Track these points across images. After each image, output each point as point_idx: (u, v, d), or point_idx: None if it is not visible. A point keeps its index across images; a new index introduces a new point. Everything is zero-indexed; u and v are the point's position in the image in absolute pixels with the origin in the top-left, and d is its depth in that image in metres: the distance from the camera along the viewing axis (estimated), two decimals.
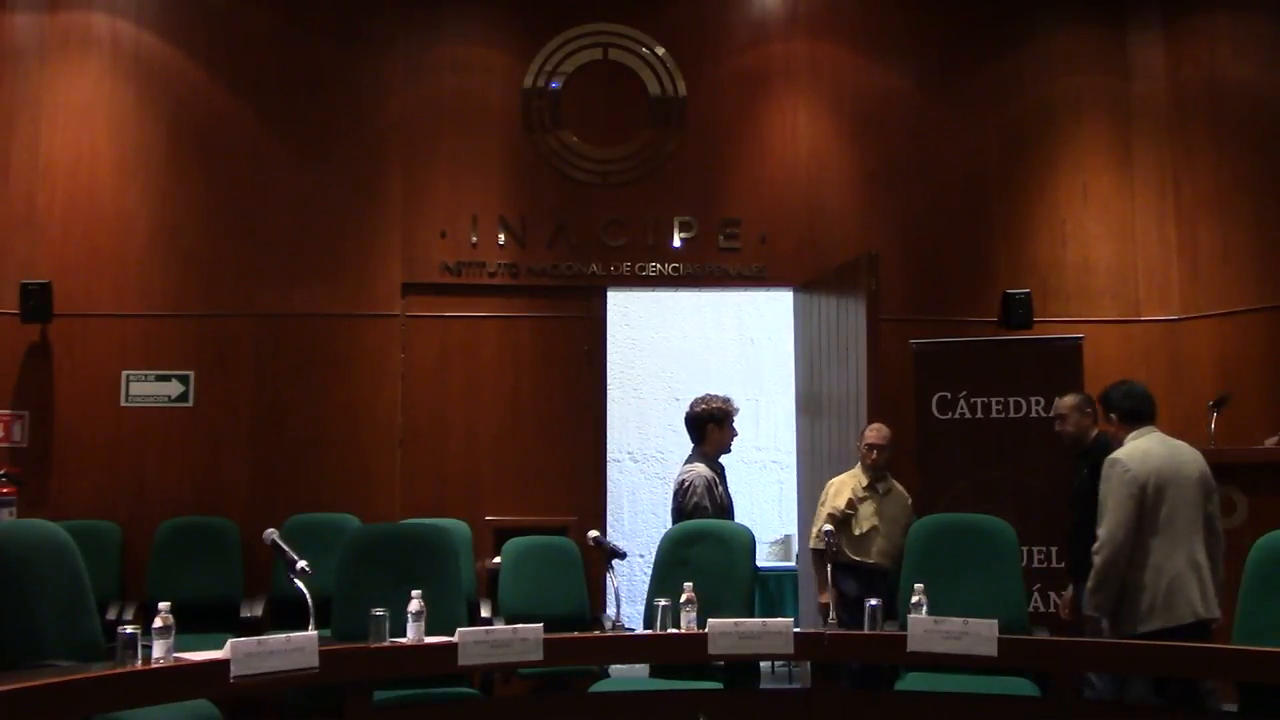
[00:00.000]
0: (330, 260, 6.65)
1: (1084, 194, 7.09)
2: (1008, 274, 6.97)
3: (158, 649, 3.24)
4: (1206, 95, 6.91)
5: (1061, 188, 7.10)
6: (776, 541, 7.92)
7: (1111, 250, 7.07)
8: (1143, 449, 4.29)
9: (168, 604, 3.34)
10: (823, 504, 5.62)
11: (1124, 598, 4.18)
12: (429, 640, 3.75)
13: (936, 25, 7.13)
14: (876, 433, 5.53)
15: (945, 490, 5.98)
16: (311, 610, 3.63)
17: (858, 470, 5.57)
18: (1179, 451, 4.31)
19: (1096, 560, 4.23)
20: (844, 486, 5.52)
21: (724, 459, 5.52)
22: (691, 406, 5.46)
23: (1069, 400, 5.25)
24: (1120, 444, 4.40)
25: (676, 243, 6.88)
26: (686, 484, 5.21)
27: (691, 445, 5.47)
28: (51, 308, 6.28)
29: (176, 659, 3.27)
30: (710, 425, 5.39)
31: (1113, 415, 4.50)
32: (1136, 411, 4.41)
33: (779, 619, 4.11)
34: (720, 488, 5.31)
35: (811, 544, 5.62)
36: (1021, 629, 4.32)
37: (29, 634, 3.36)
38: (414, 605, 3.76)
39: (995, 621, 3.77)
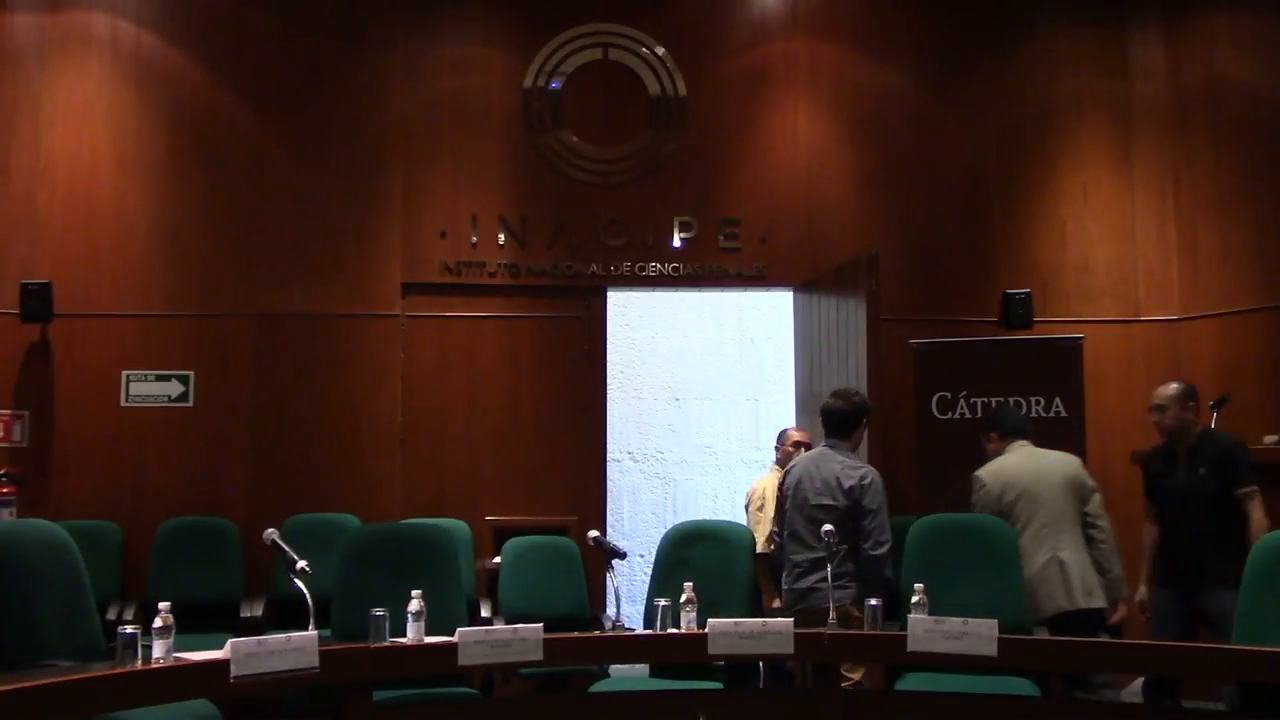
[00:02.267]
0: (330, 260, 6.64)
1: (1084, 194, 7.09)
2: (1008, 274, 6.97)
3: (158, 649, 3.24)
4: (1206, 95, 6.91)
5: (1061, 188, 7.10)
6: None
7: (1111, 250, 7.07)
8: (1001, 463, 4.83)
9: (168, 604, 3.34)
10: (760, 509, 5.60)
11: None
12: (429, 640, 3.76)
13: (936, 25, 7.13)
14: (803, 433, 5.56)
15: (945, 490, 5.96)
16: (311, 610, 3.63)
17: (776, 472, 5.58)
18: (1044, 459, 4.79)
19: None
20: (771, 492, 5.40)
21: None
22: (848, 399, 4.78)
23: (1170, 391, 4.83)
24: (1232, 440, 4.70)
25: (676, 243, 6.88)
26: (870, 482, 4.57)
27: (829, 440, 4.78)
28: (51, 308, 6.28)
29: (176, 659, 3.27)
30: (865, 419, 4.83)
31: (993, 433, 5.00)
32: (1017, 429, 4.94)
33: (779, 619, 4.12)
34: None
35: (760, 549, 5.19)
36: (1021, 629, 4.32)
37: (29, 634, 3.36)
38: (414, 605, 3.76)
39: (995, 621, 3.77)
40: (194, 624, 5.07)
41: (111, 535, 6.12)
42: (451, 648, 3.70)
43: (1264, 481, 5.08)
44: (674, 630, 4.00)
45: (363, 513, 6.25)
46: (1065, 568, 4.57)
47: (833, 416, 4.76)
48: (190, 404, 6.47)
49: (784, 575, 4.66)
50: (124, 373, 6.45)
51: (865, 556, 4.50)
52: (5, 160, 6.47)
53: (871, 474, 4.62)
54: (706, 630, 3.90)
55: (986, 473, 4.80)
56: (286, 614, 5.02)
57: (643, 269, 6.86)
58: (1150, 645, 3.96)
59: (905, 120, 7.04)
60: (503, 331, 6.76)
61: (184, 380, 6.49)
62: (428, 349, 6.69)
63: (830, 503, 4.54)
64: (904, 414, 6.38)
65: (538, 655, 3.79)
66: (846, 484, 4.54)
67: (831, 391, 4.97)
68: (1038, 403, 6.12)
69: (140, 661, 3.19)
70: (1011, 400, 6.15)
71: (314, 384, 6.55)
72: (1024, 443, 4.87)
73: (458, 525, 6.09)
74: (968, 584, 4.44)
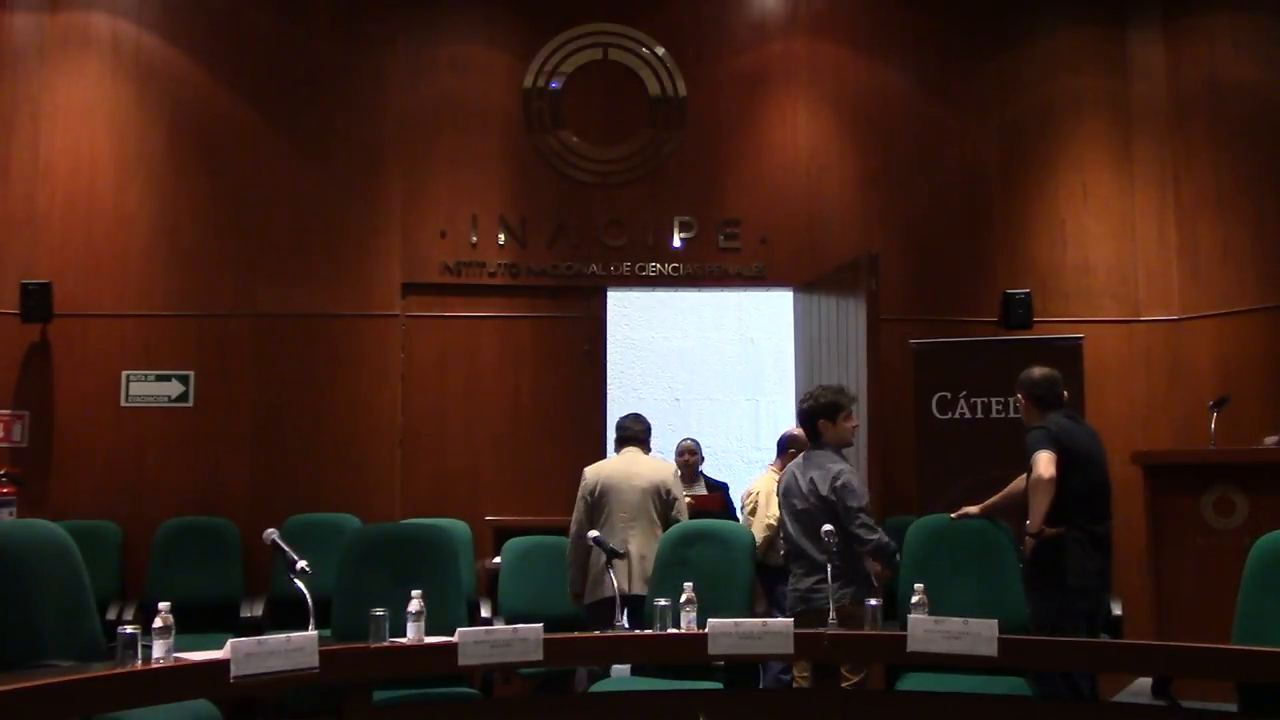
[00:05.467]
0: (330, 260, 6.65)
1: (1084, 194, 7.09)
2: (1008, 274, 6.97)
3: (158, 649, 3.23)
4: (1206, 95, 6.91)
5: (1061, 188, 7.10)
6: None
7: (1111, 250, 7.07)
8: (604, 462, 5.42)
9: (168, 604, 3.33)
10: (751, 512, 5.65)
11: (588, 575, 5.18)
12: (429, 640, 3.75)
13: (936, 25, 7.13)
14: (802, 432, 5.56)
15: (945, 490, 5.97)
16: (311, 610, 3.63)
17: (770, 474, 5.58)
18: (634, 464, 5.31)
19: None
20: (771, 494, 5.44)
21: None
22: (801, 401, 4.87)
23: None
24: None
25: (676, 243, 6.88)
26: (843, 484, 4.52)
27: (812, 445, 4.77)
28: (51, 308, 6.29)
29: (176, 659, 3.26)
30: (822, 421, 4.72)
31: (615, 436, 5.59)
32: (629, 438, 5.43)
33: (779, 619, 4.11)
34: None
35: (762, 558, 5.24)
36: (1020, 629, 4.32)
37: (29, 634, 3.35)
38: (414, 605, 3.76)
39: (995, 621, 3.77)
40: (194, 624, 5.08)
41: (111, 535, 6.13)
42: (451, 648, 3.70)
43: (1264, 482, 5.08)
44: (674, 630, 4.00)
45: (363, 513, 6.25)
46: (630, 557, 5.02)
47: (800, 421, 4.86)
48: (190, 404, 6.48)
49: (789, 577, 4.69)
50: (124, 373, 6.45)
51: (859, 554, 4.50)
52: (5, 160, 6.47)
53: (845, 474, 4.56)
54: (706, 630, 3.89)
55: (589, 469, 5.37)
56: (286, 614, 5.02)
57: (643, 269, 6.86)
58: (1150, 645, 3.95)
59: (905, 120, 7.05)
60: (503, 331, 6.77)
61: (184, 380, 6.49)
62: (428, 349, 6.69)
63: (807, 507, 4.55)
64: (904, 414, 6.37)
65: (538, 655, 3.79)
66: (822, 489, 4.53)
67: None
68: None
69: (140, 661, 3.19)
70: (1011, 400, 6.14)
71: (314, 384, 6.56)
72: (633, 449, 5.39)
73: (458, 525, 6.09)
74: (967, 584, 4.44)
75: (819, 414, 4.72)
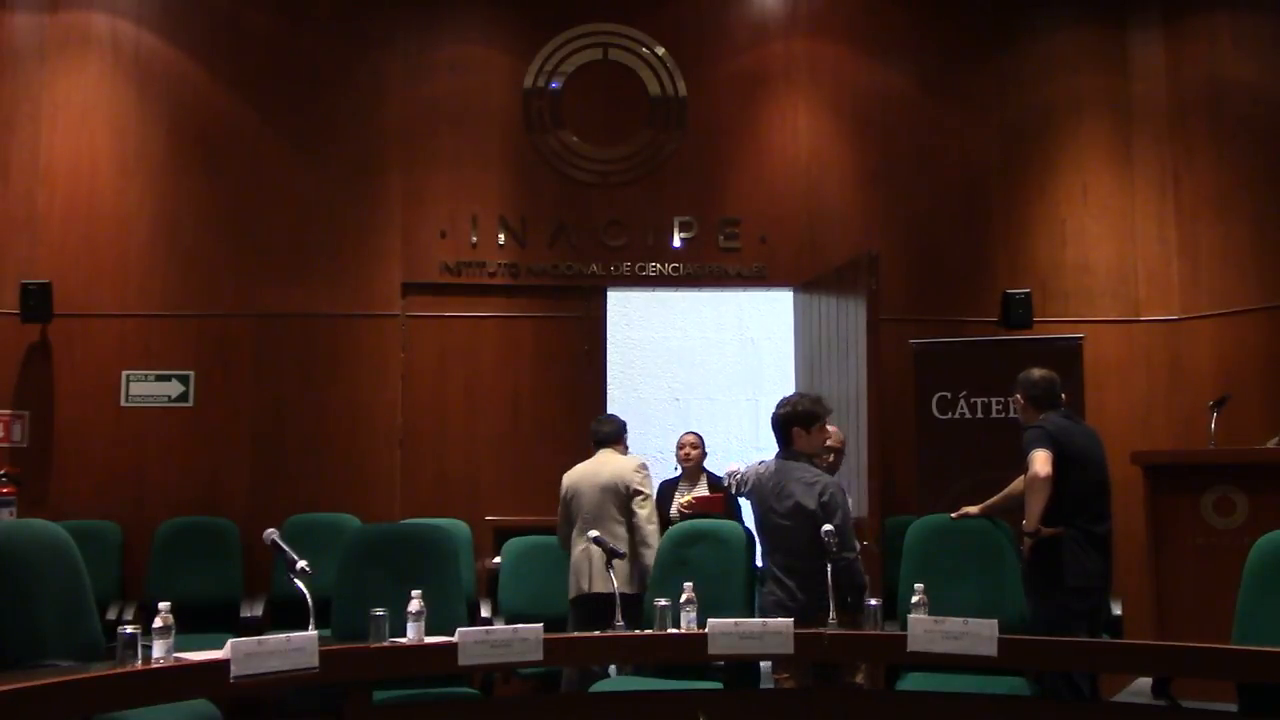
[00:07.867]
0: (330, 260, 6.65)
1: (1084, 194, 7.09)
2: (1008, 274, 6.97)
3: (158, 649, 3.24)
4: (1206, 95, 6.92)
5: (1061, 188, 7.10)
6: None
7: (1111, 250, 7.07)
8: (576, 466, 5.46)
9: (168, 604, 3.33)
10: None
11: None
12: (429, 640, 3.75)
13: (936, 25, 7.13)
14: (836, 436, 5.34)
15: (945, 490, 5.97)
16: (311, 610, 3.63)
17: None
18: (600, 465, 5.40)
19: None
20: None
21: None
22: (780, 405, 4.62)
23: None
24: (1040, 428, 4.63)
25: (676, 243, 6.88)
26: (829, 499, 4.35)
27: (781, 451, 4.61)
28: (51, 308, 6.28)
29: (176, 659, 3.27)
30: (796, 429, 4.55)
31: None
32: (604, 439, 5.54)
33: (779, 619, 4.11)
34: None
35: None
36: (1020, 629, 4.32)
37: (29, 634, 3.36)
38: (414, 605, 3.76)
39: (995, 621, 3.77)
40: (194, 624, 5.08)
41: (111, 535, 6.12)
42: (451, 648, 3.70)
43: (1264, 482, 5.09)
44: (674, 630, 4.00)
45: (363, 513, 6.25)
46: (591, 556, 5.09)
47: (772, 426, 4.60)
48: (190, 404, 6.48)
49: (762, 587, 4.58)
50: (124, 373, 6.45)
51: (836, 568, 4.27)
52: (5, 160, 6.47)
53: (830, 489, 4.40)
54: (706, 630, 3.90)
55: (566, 473, 5.49)
56: (286, 614, 5.02)
57: (643, 269, 6.86)
58: (1151, 645, 3.95)
59: (905, 120, 7.04)
60: (503, 331, 6.77)
61: (184, 380, 6.49)
62: (428, 349, 6.69)
63: (792, 524, 4.36)
64: (904, 414, 6.38)
65: (538, 655, 3.79)
66: (809, 506, 4.33)
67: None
68: None
69: (140, 661, 3.19)
70: (1011, 400, 6.14)
71: (314, 384, 6.56)
72: (608, 450, 5.48)
73: (458, 525, 6.10)
74: (967, 584, 4.44)
75: (795, 421, 4.51)
